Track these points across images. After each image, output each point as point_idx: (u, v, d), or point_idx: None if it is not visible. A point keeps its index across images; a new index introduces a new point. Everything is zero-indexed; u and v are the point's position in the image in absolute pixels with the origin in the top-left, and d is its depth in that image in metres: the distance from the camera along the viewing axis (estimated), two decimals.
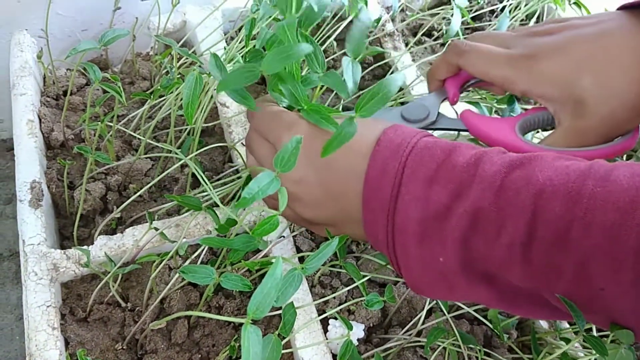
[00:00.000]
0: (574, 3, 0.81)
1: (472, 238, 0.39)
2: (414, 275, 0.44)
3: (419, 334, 0.60)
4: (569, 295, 0.38)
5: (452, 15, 0.74)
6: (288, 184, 0.46)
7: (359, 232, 0.47)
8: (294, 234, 0.65)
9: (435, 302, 0.60)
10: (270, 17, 0.64)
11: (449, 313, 0.58)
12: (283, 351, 0.55)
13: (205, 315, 0.42)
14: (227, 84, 0.46)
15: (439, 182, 0.41)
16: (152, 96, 0.63)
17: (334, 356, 0.60)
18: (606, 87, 0.48)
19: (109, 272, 0.57)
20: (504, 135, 0.54)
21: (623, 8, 0.52)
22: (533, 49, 0.52)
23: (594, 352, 0.54)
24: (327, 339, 0.58)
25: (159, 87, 0.63)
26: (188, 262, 0.59)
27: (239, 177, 0.70)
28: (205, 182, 0.56)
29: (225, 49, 0.72)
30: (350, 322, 0.60)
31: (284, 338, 0.49)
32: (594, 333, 0.57)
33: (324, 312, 0.59)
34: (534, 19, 0.92)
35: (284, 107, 0.51)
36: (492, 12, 0.95)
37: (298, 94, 0.48)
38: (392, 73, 0.77)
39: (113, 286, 0.58)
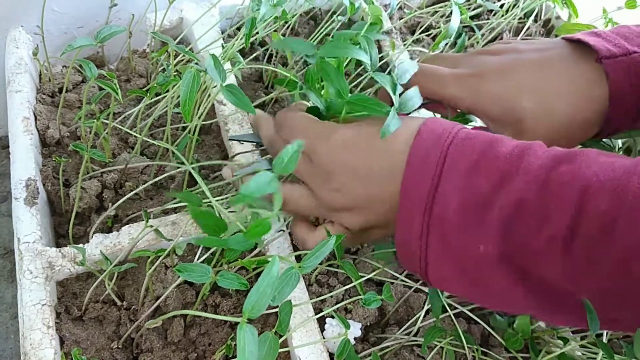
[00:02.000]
0: (565, 2, 0.81)
1: (513, 229, 0.39)
2: (444, 268, 0.44)
3: (416, 333, 0.60)
4: (602, 290, 0.39)
5: (450, 13, 0.73)
6: (325, 192, 0.48)
7: (384, 215, 0.48)
8: (290, 231, 0.65)
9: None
10: (270, 17, 0.64)
11: (445, 312, 0.58)
12: (281, 350, 0.55)
13: (201, 314, 0.42)
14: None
15: (480, 172, 0.41)
16: (148, 94, 0.62)
17: (331, 355, 0.59)
18: (544, 109, 0.52)
19: (105, 271, 0.56)
20: None
21: (566, 39, 0.55)
22: (479, 68, 0.55)
23: (593, 351, 0.54)
24: (323, 337, 0.58)
25: (155, 85, 0.62)
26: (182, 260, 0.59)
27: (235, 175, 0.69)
28: (203, 184, 0.55)
29: (222, 47, 0.71)
30: (348, 320, 0.60)
31: (280, 336, 0.49)
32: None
33: (321, 310, 0.58)
34: (531, 18, 0.92)
35: (310, 111, 0.53)
36: (490, 10, 0.95)
37: (342, 87, 0.48)
38: (389, 71, 0.76)
39: (109, 285, 0.57)
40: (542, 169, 0.40)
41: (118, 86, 0.76)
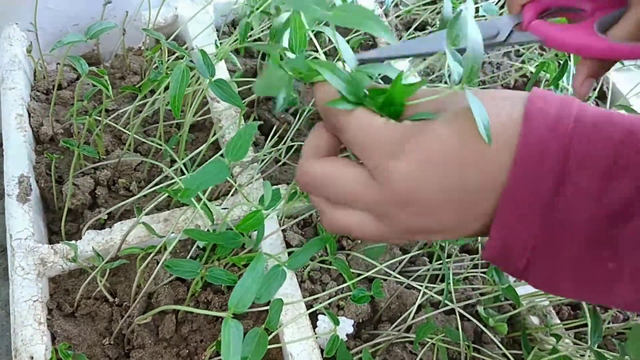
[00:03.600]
0: None
1: None
2: (553, 279, 0.36)
3: (408, 329, 0.60)
4: None
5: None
6: (403, 218, 0.37)
7: (472, 231, 0.37)
8: (283, 227, 0.65)
9: (424, 297, 0.59)
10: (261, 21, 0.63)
11: (437, 309, 0.58)
12: (272, 346, 0.55)
13: (188, 309, 0.42)
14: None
15: (622, 174, 0.32)
16: (140, 90, 0.62)
17: (323, 351, 0.59)
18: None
19: (97, 267, 0.56)
20: (583, 38, 0.48)
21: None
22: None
23: (584, 347, 0.54)
24: (315, 334, 0.57)
25: (147, 81, 0.62)
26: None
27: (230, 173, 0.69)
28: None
29: (216, 44, 0.71)
30: (340, 317, 0.59)
31: (270, 333, 0.49)
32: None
33: (313, 307, 0.58)
34: None
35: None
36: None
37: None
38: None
39: (101, 281, 0.57)
40: None
41: (109, 83, 0.76)
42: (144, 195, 0.68)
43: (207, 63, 0.51)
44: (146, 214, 0.64)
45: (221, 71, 0.77)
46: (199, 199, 0.56)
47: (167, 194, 0.59)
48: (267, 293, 0.43)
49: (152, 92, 0.69)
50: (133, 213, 0.65)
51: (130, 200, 0.59)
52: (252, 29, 0.72)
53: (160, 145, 0.61)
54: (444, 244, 0.61)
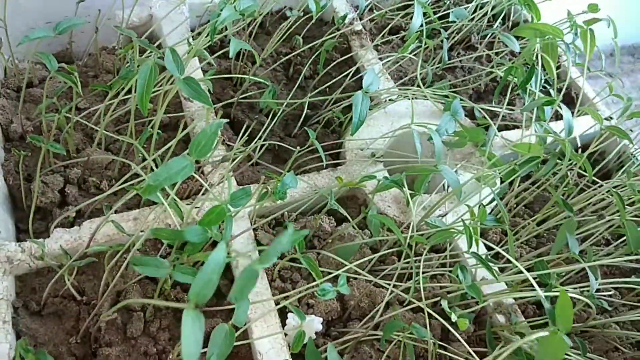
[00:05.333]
0: (526, 4, 0.82)
1: None
2: None
3: (376, 327, 0.60)
4: None
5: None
6: None
7: None
8: (254, 226, 0.65)
9: (392, 295, 0.60)
10: (233, 19, 0.64)
11: (404, 307, 0.59)
12: (241, 342, 0.55)
13: (150, 302, 0.42)
14: None
15: None
16: (111, 88, 0.62)
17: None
18: None
19: (65, 266, 0.56)
20: None
21: None
22: None
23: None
24: (284, 331, 0.58)
25: (118, 79, 0.62)
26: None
27: (201, 172, 0.69)
28: None
29: (188, 42, 0.71)
30: (309, 315, 0.60)
31: (237, 329, 0.49)
32: None
33: (284, 306, 0.58)
34: (499, 20, 0.93)
35: None
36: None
37: None
38: (357, 70, 0.77)
39: (68, 279, 0.57)
40: None
41: (86, 82, 0.75)
42: (115, 194, 0.68)
43: (176, 60, 0.51)
44: (116, 213, 0.64)
45: (195, 71, 0.77)
46: (168, 197, 0.56)
47: (136, 192, 0.59)
48: (241, 295, 0.43)
49: (130, 91, 0.69)
50: (103, 212, 0.65)
51: (99, 198, 0.58)
52: (225, 28, 0.72)
53: (131, 142, 0.61)
54: (412, 244, 0.62)
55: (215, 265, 0.37)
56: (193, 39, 0.79)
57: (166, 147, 0.55)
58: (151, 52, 0.58)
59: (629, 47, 1.59)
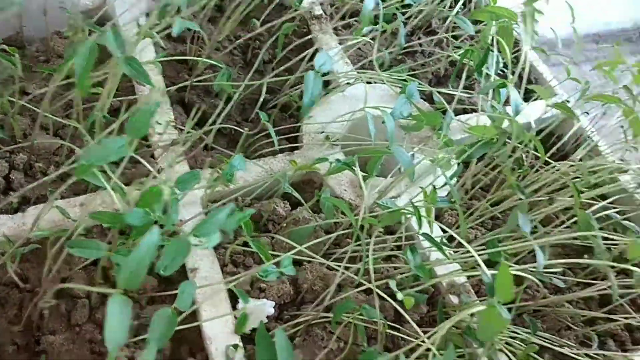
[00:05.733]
0: None
1: None
2: None
3: (328, 309, 0.60)
4: None
5: None
6: None
7: None
8: (206, 211, 0.64)
9: (343, 277, 0.60)
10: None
11: (356, 288, 0.58)
12: (190, 326, 0.54)
13: (89, 289, 0.41)
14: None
15: None
16: (55, 71, 0.60)
17: (243, 335, 0.59)
18: None
19: (7, 252, 0.54)
20: None
21: None
22: None
23: None
24: (235, 316, 0.57)
25: (64, 62, 0.60)
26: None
27: (151, 156, 0.68)
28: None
29: (137, 24, 0.70)
30: (261, 300, 0.59)
31: (181, 313, 0.48)
32: None
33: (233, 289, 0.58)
34: (459, 4, 0.93)
35: None
36: None
37: None
38: (315, 52, 0.75)
39: (11, 267, 0.55)
40: None
41: (37, 67, 0.73)
42: (62, 180, 0.66)
43: (117, 39, 0.49)
44: (63, 199, 0.63)
45: (150, 55, 0.76)
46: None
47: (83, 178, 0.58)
48: (171, 267, 0.41)
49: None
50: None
51: (39, 183, 0.57)
52: (179, 10, 0.71)
53: (77, 127, 0.59)
54: (365, 225, 0.61)
55: (148, 249, 0.37)
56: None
57: (108, 129, 0.54)
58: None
59: (593, 35, 1.61)
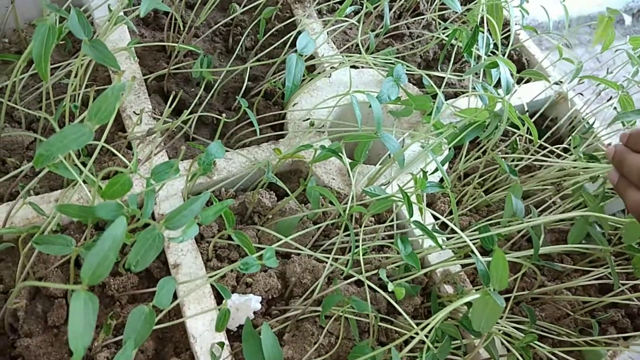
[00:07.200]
0: None
1: None
2: None
3: (318, 303, 0.57)
4: None
5: None
6: None
7: None
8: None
9: (332, 269, 0.57)
10: None
11: (346, 280, 0.56)
12: (174, 323, 0.52)
13: (56, 286, 0.38)
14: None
15: None
16: (21, 59, 0.57)
17: (229, 332, 0.57)
18: None
19: None
20: None
21: None
22: None
23: None
24: (217, 309, 0.54)
25: (30, 51, 0.57)
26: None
27: (129, 148, 0.65)
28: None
29: (109, 8, 0.66)
30: (247, 295, 0.57)
31: (160, 311, 0.46)
32: None
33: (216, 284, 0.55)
34: None
35: None
36: None
37: None
38: (298, 34, 0.72)
39: None
40: None
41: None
42: (36, 174, 0.63)
43: (81, 22, 0.46)
44: (37, 195, 0.60)
45: (126, 42, 0.72)
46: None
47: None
48: (143, 262, 0.39)
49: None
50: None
51: (10, 176, 0.54)
52: None
53: (47, 118, 0.56)
54: (354, 214, 0.59)
55: (112, 242, 0.34)
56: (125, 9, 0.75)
57: (79, 119, 0.51)
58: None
59: (586, 17, 1.59)
